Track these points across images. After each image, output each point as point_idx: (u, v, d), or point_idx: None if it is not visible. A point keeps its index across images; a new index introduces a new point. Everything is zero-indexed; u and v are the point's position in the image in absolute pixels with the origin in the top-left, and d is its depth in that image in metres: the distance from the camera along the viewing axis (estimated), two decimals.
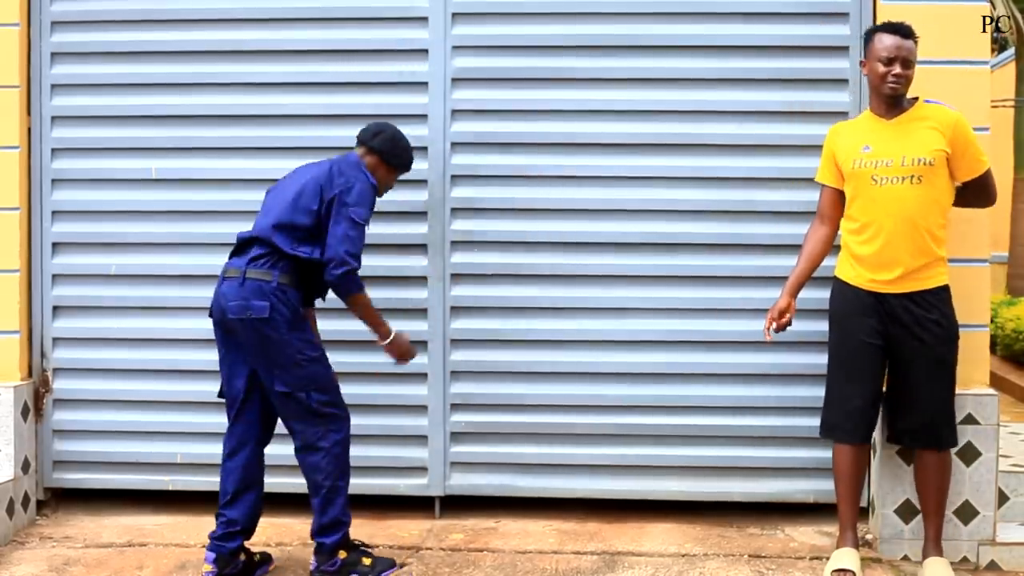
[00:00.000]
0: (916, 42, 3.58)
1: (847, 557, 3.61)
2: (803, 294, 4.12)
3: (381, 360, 4.24)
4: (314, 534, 3.62)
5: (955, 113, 3.57)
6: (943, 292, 3.60)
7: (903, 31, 3.55)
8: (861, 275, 3.62)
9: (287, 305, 3.53)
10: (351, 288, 3.60)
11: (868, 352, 3.62)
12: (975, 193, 3.67)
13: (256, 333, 3.49)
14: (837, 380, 3.69)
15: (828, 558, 3.72)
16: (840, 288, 3.69)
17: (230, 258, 3.66)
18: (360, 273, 4.22)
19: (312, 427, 3.56)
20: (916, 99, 3.62)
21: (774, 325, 3.73)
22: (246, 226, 4.26)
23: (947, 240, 3.63)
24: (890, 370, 3.65)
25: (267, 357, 3.52)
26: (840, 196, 3.70)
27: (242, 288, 3.52)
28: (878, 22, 3.92)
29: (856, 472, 3.70)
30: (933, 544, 3.67)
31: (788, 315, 3.73)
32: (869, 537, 3.93)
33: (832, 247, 3.78)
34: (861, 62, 3.70)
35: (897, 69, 3.51)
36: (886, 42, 3.54)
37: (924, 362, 3.57)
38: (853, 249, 3.64)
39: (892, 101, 3.58)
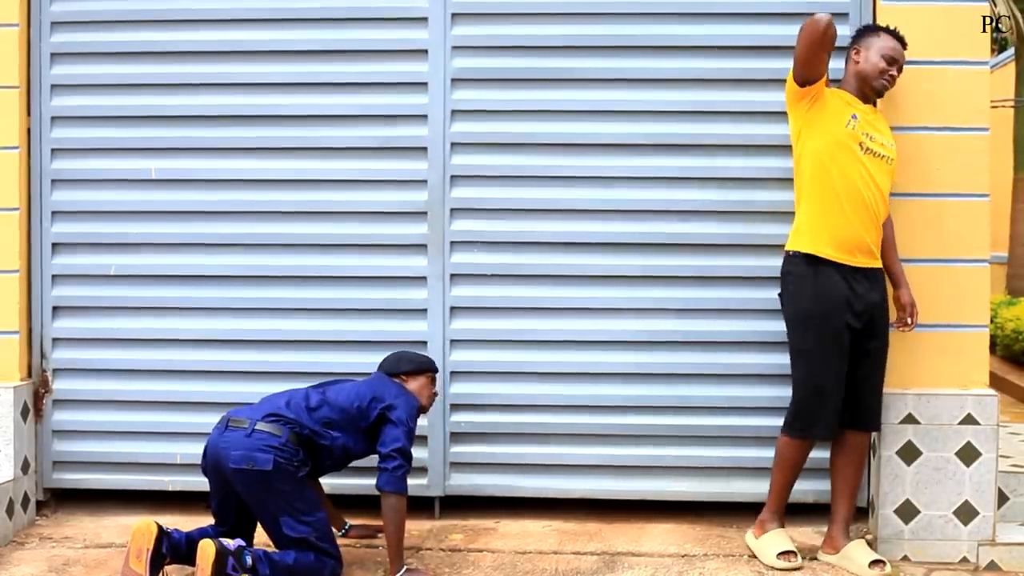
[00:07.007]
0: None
1: (778, 539, 3.80)
2: None
3: (380, 360, 4.26)
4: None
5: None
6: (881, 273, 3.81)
7: (903, 40, 3.77)
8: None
9: (291, 463, 3.49)
10: (400, 486, 3.54)
11: None
12: None
13: (257, 485, 3.46)
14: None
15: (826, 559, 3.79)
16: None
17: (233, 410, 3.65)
18: (360, 274, 4.26)
19: (303, 552, 3.52)
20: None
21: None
22: (246, 226, 4.29)
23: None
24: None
25: (267, 505, 3.50)
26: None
27: (249, 439, 3.48)
28: (878, 22, 3.93)
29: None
30: (842, 529, 3.79)
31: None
32: (869, 537, 3.93)
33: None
34: (855, 49, 3.77)
35: (893, 71, 3.74)
36: (892, 43, 3.75)
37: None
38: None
39: (877, 96, 3.79)
